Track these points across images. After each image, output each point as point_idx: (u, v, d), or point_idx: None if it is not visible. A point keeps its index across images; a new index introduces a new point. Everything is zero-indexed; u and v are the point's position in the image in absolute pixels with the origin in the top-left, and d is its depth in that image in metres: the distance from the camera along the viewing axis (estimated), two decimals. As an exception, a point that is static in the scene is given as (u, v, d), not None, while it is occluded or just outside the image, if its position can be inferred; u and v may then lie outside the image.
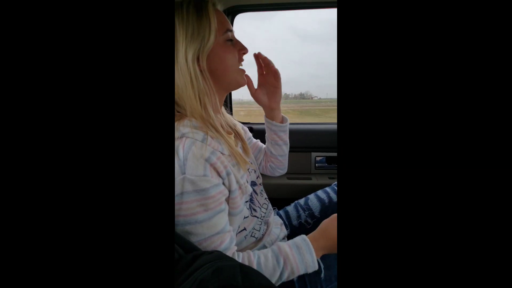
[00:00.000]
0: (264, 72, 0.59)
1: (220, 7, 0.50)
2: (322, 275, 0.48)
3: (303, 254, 0.46)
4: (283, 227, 0.65)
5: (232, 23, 0.99)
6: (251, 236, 0.53)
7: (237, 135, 0.58)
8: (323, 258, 0.49)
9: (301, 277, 0.49)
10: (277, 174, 0.72)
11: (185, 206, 0.40)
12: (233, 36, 0.50)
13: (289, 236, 0.67)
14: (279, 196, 1.01)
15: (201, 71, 0.45)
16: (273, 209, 0.74)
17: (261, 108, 0.63)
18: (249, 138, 0.69)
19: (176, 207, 0.40)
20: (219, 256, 0.27)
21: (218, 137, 0.46)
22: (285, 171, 0.72)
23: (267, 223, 0.58)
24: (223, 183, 0.44)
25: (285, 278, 0.45)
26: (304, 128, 1.08)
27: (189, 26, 0.44)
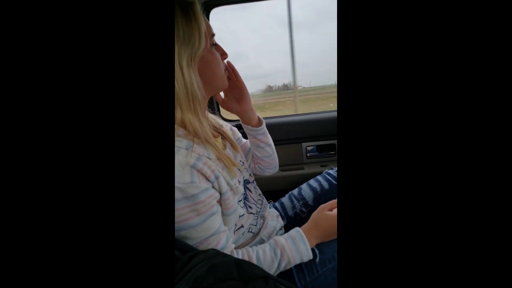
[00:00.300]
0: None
1: (199, 5, 0.50)
2: (317, 259, 0.50)
3: (298, 245, 0.49)
4: (279, 218, 0.68)
5: (208, 18, 0.98)
6: (248, 232, 0.55)
7: (224, 136, 0.59)
8: (317, 245, 0.52)
9: (298, 263, 0.51)
10: (268, 174, 0.72)
11: (177, 213, 0.41)
12: (214, 40, 0.50)
13: (286, 226, 0.69)
14: (274, 188, 1.04)
15: (194, 76, 0.44)
16: (269, 202, 0.77)
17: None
18: (238, 139, 0.69)
19: None
20: (214, 254, 0.29)
21: (204, 143, 0.46)
22: (275, 170, 0.71)
23: (263, 217, 0.61)
24: (213, 187, 0.45)
25: (282, 267, 0.49)
26: (294, 120, 1.10)
27: (179, 31, 0.42)
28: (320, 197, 0.71)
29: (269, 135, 0.65)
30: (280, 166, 0.74)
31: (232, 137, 0.62)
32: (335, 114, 1.09)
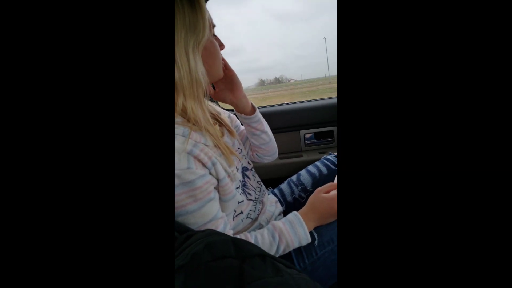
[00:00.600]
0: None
1: None
2: (316, 242, 0.51)
3: (296, 228, 0.50)
4: (278, 204, 0.68)
5: None
6: (247, 217, 0.56)
7: (222, 123, 0.59)
8: (315, 228, 0.53)
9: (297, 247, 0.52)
10: (266, 161, 0.71)
11: (175, 199, 0.41)
12: (214, 31, 0.51)
13: (285, 212, 0.70)
14: (273, 176, 1.04)
15: (199, 63, 0.45)
16: (268, 188, 0.77)
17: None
18: (236, 126, 0.68)
19: None
20: (211, 233, 0.29)
21: (202, 130, 0.46)
22: (274, 157, 0.71)
23: (261, 203, 0.61)
24: (210, 173, 0.45)
25: (281, 251, 0.50)
26: (291, 108, 1.09)
27: (186, 18, 0.43)
28: (319, 182, 0.71)
29: (264, 122, 0.64)
30: (278, 154, 0.74)
31: (230, 124, 0.62)
32: (332, 101, 1.08)
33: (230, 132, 0.59)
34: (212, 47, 0.49)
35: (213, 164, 0.45)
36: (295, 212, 0.53)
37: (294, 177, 0.77)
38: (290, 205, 0.73)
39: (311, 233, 0.52)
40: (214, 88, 0.60)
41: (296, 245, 0.50)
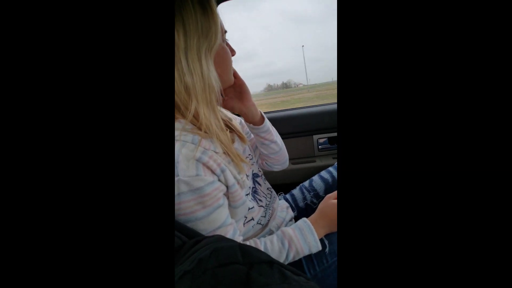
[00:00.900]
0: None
1: None
2: (327, 249, 0.50)
3: (306, 235, 0.49)
4: (289, 210, 0.68)
5: None
6: (257, 223, 0.56)
7: (233, 130, 0.59)
8: (326, 236, 0.52)
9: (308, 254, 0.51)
10: (276, 170, 0.70)
11: (184, 206, 0.42)
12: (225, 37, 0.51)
13: (297, 218, 0.69)
14: (286, 181, 1.03)
15: (212, 68, 0.45)
16: (280, 194, 0.77)
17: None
18: (248, 132, 0.68)
19: (176, 207, 0.42)
20: (219, 238, 0.30)
21: (212, 137, 0.46)
22: (284, 166, 0.69)
23: (272, 209, 0.61)
24: (219, 180, 0.45)
25: (291, 258, 0.49)
26: (304, 112, 1.09)
27: (198, 24, 0.43)
28: (332, 188, 0.70)
29: (274, 132, 0.63)
30: (291, 159, 0.73)
31: (241, 130, 0.62)
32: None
33: (241, 138, 0.59)
34: (223, 53, 0.49)
35: (222, 171, 0.45)
36: (305, 218, 0.53)
37: (306, 183, 0.76)
38: (302, 211, 0.72)
39: (322, 240, 0.51)
40: (222, 96, 0.60)
41: (306, 253, 0.50)
